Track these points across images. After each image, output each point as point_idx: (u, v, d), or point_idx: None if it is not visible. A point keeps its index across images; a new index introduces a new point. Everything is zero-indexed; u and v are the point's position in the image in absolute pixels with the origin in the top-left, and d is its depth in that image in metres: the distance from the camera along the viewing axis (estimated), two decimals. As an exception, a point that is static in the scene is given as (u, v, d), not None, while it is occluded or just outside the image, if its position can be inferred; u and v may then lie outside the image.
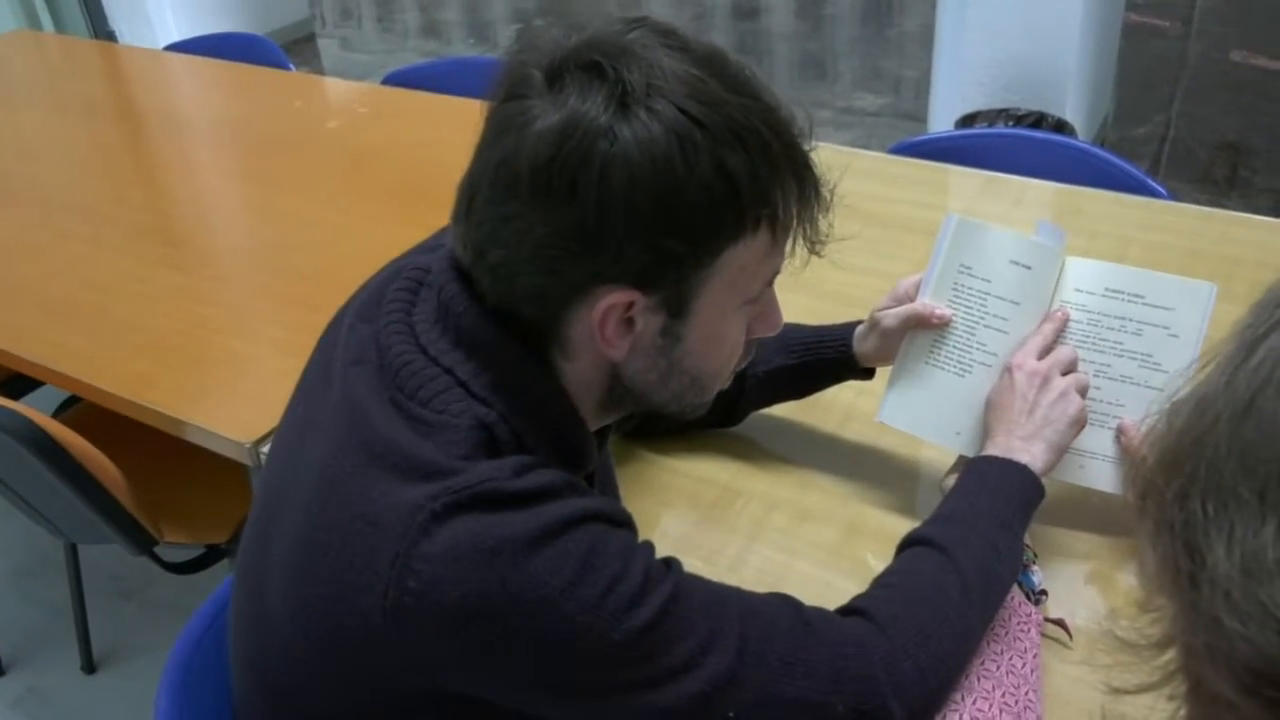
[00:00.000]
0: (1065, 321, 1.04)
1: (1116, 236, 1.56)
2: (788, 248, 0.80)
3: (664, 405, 0.85)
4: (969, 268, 1.06)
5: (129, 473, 1.48)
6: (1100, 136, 3.61)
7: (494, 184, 0.74)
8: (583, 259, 0.73)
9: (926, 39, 5.15)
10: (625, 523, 0.78)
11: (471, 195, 0.76)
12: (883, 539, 1.10)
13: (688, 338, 0.79)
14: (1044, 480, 0.97)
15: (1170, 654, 0.48)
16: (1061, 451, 0.98)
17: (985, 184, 1.77)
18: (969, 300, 1.06)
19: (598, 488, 0.90)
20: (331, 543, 0.74)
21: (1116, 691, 0.51)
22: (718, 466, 1.20)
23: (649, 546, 0.77)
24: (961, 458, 1.07)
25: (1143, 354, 1.05)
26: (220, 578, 1.65)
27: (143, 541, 1.50)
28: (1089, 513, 1.08)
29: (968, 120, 3.15)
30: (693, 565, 0.79)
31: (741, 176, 0.72)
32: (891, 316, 1.07)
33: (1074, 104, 3.16)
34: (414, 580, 0.70)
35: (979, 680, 0.84)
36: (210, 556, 1.62)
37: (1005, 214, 1.68)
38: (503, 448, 0.76)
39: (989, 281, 1.05)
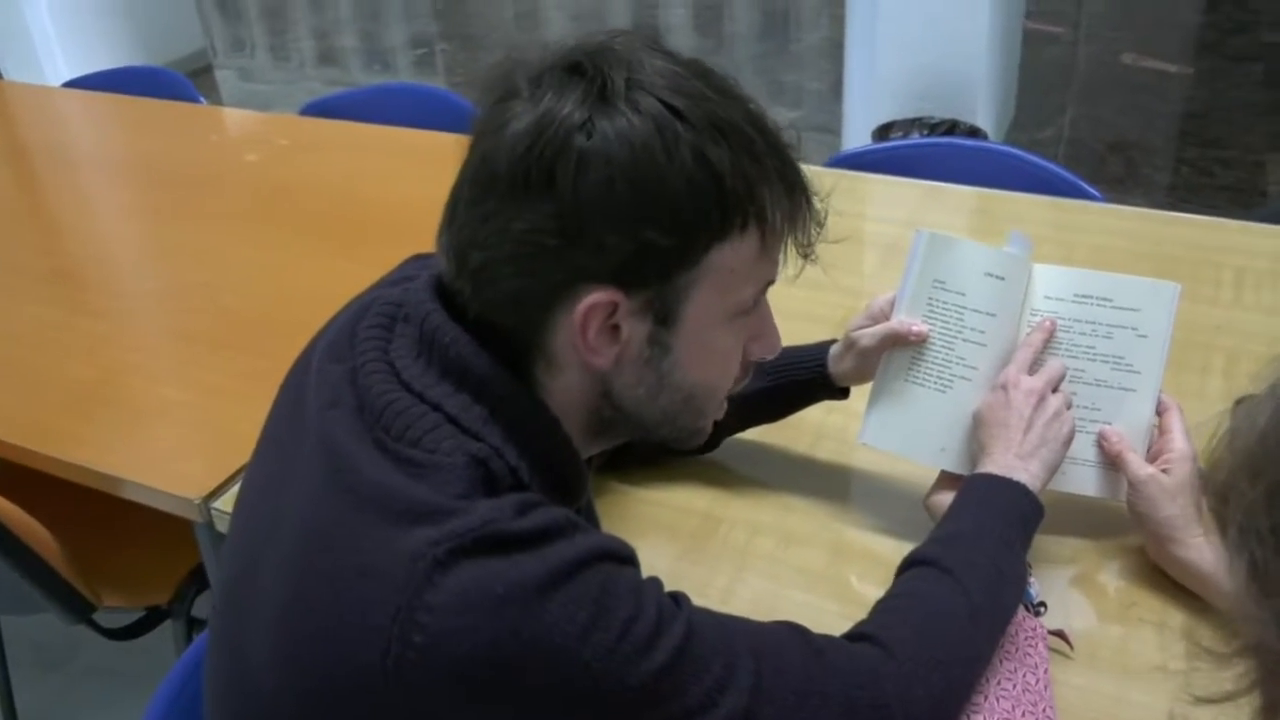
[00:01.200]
0: (1052, 332, 1.04)
1: (1059, 241, 1.58)
2: (780, 258, 0.79)
3: (657, 428, 0.82)
4: (943, 282, 1.05)
5: (57, 534, 1.39)
6: (1008, 141, 3.70)
7: (473, 185, 0.73)
8: (562, 254, 0.71)
9: (830, 52, 5.24)
10: (630, 559, 0.75)
11: (454, 204, 0.75)
12: (869, 559, 1.09)
13: (677, 348, 0.76)
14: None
15: (1251, 662, 0.47)
16: (1054, 471, 0.98)
17: (925, 194, 1.78)
18: (945, 315, 1.05)
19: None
20: (321, 599, 0.70)
21: (1200, 700, 0.50)
22: (695, 494, 1.17)
23: (656, 583, 0.74)
24: (943, 474, 1.06)
25: (1114, 357, 1.05)
26: (162, 641, 1.58)
27: (80, 609, 1.41)
28: (1070, 517, 1.08)
29: (883, 130, 3.20)
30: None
31: (724, 168, 0.71)
32: (868, 336, 1.06)
33: (984, 110, 3.23)
34: (419, 634, 0.65)
35: (998, 701, 0.82)
36: (151, 619, 1.53)
37: (949, 223, 1.70)
38: (499, 484, 0.72)
39: (964, 295, 1.05)
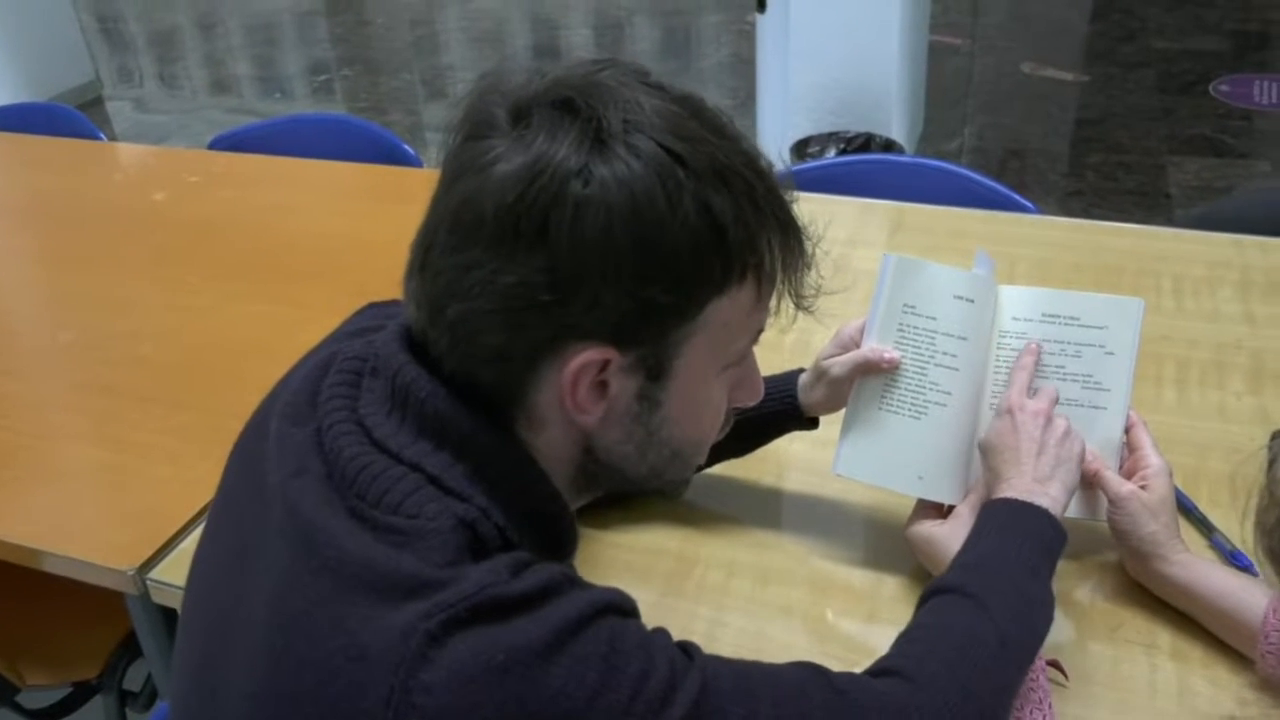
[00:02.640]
0: (1039, 353, 1.03)
1: (1001, 255, 1.57)
2: (772, 304, 0.75)
3: (641, 482, 0.78)
4: (913, 307, 1.03)
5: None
6: (916, 153, 3.76)
7: (453, 230, 0.67)
8: (552, 310, 0.66)
9: (737, 68, 5.28)
10: (634, 610, 0.70)
11: (427, 247, 0.69)
12: (848, 594, 1.06)
13: (667, 403, 0.73)
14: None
15: None
16: (1073, 492, 0.96)
17: (862, 210, 1.78)
18: (917, 340, 1.03)
19: None
20: (304, 688, 0.64)
21: None
22: (665, 534, 1.13)
23: (664, 634, 0.70)
24: (921, 502, 1.04)
25: (1084, 375, 1.05)
26: (93, 717, 1.48)
27: (2, 692, 1.31)
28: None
29: (801, 146, 3.21)
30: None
31: (727, 219, 0.67)
32: (839, 365, 1.04)
33: (897, 123, 3.27)
34: (417, 717, 0.61)
35: (1010, 742, 0.80)
36: (79, 695, 1.43)
37: (892, 241, 1.69)
38: (489, 546, 0.68)
39: (935, 319, 1.03)
